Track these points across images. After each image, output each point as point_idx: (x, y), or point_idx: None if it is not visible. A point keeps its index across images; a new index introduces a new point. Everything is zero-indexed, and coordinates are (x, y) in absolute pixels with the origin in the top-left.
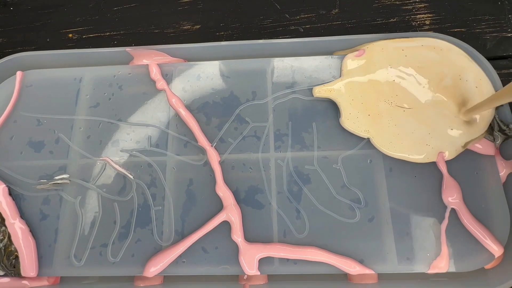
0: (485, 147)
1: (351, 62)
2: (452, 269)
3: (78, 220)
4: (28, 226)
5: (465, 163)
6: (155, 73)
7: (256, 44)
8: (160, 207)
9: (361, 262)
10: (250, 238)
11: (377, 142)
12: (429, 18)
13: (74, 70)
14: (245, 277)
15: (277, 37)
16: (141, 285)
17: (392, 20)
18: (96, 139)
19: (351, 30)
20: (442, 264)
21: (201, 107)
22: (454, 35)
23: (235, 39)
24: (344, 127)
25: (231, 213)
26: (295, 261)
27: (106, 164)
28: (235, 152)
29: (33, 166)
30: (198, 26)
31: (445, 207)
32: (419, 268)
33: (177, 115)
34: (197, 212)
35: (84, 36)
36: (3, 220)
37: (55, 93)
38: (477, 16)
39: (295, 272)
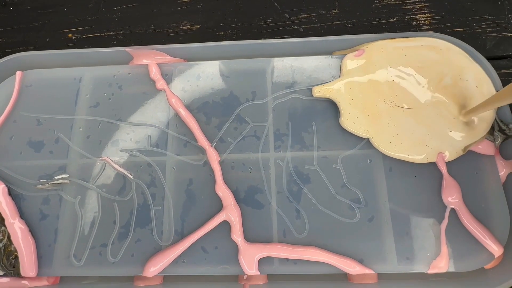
0: (485, 147)
1: (351, 62)
2: (452, 269)
3: (77, 220)
4: (28, 226)
5: (465, 163)
6: (154, 73)
7: (256, 44)
8: (160, 207)
9: (361, 262)
10: (250, 238)
11: (376, 142)
12: (429, 18)
13: (73, 70)
14: (245, 277)
15: (277, 37)
16: (141, 285)
17: (392, 20)
18: (96, 139)
19: (351, 30)
20: (442, 264)
21: (201, 107)
22: (454, 35)
23: (235, 39)
24: (344, 127)
25: (231, 213)
26: (295, 261)
27: (105, 164)
28: (235, 152)
29: (33, 166)
30: (197, 26)
31: (445, 207)
32: (419, 268)
33: (177, 115)
34: (196, 212)
35: (83, 36)
36: (3, 220)
37: (54, 93)
38: (477, 16)
39: (295, 272)
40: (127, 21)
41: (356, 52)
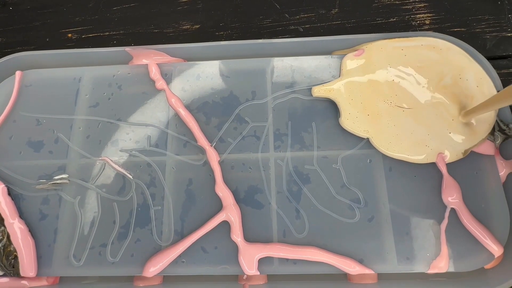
0: (485, 147)
1: (351, 62)
2: (452, 269)
3: (77, 220)
4: (27, 226)
5: (465, 163)
6: (154, 72)
7: (256, 44)
8: (160, 207)
9: (360, 262)
10: (249, 238)
11: (376, 142)
12: (429, 18)
13: (73, 70)
14: (245, 277)
15: (276, 36)
16: (141, 285)
17: (392, 19)
18: (96, 139)
19: (351, 30)
20: (442, 264)
21: (201, 107)
22: (454, 34)
23: (235, 39)
24: (344, 127)
25: (231, 213)
26: (295, 261)
27: (105, 164)
28: (234, 152)
29: (32, 166)
30: (197, 26)
31: (445, 207)
32: (419, 268)
33: (177, 115)
34: (196, 212)
35: (83, 36)
36: (2, 220)
37: (54, 93)
38: (477, 16)
39: (295, 272)
40: (127, 21)
41: (356, 52)
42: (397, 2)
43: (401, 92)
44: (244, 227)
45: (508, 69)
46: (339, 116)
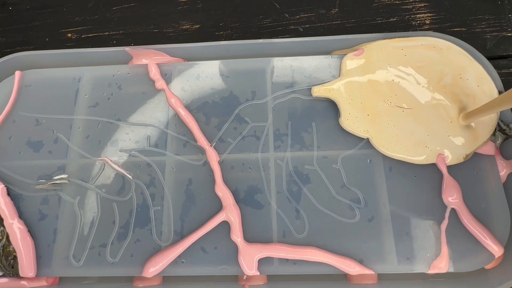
0: (485, 147)
1: (350, 61)
2: (452, 269)
3: (77, 220)
4: (27, 226)
5: (465, 163)
6: (154, 72)
7: (256, 44)
8: (159, 207)
9: (360, 262)
10: (249, 238)
11: (376, 143)
12: (429, 18)
13: (73, 69)
14: (245, 277)
15: (276, 36)
16: (140, 285)
17: (392, 19)
18: (95, 139)
19: (351, 30)
20: (442, 264)
21: (201, 107)
22: (454, 34)
23: (235, 39)
24: (344, 127)
25: (231, 213)
26: (295, 261)
27: (105, 164)
28: (234, 152)
29: (32, 166)
30: (197, 26)
31: (445, 207)
32: (419, 268)
33: (176, 115)
34: (196, 212)
35: (83, 36)
36: (2, 220)
37: (54, 93)
38: (477, 16)
39: (295, 273)
40: (127, 21)
41: (355, 52)
42: (397, 2)
43: (401, 92)
44: (244, 227)
45: (509, 69)
46: (339, 116)
